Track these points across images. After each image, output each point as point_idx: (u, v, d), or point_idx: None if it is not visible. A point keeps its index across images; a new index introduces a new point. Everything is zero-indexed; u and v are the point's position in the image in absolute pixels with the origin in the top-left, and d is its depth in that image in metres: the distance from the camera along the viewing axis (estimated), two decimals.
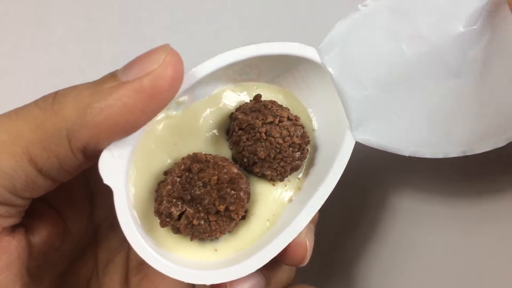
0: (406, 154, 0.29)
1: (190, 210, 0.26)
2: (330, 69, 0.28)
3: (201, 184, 0.26)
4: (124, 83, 0.22)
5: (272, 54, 0.28)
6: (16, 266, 0.25)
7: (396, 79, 0.29)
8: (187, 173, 0.26)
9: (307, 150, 0.29)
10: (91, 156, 0.23)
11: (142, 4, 0.46)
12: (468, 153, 0.28)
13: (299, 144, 0.28)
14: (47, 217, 0.27)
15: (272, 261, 0.27)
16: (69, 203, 0.29)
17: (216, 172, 0.26)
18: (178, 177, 0.26)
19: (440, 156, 0.28)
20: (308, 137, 0.29)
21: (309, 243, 0.28)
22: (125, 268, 0.30)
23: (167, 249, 0.27)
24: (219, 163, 0.26)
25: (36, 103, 0.23)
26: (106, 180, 0.23)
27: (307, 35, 0.44)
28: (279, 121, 0.28)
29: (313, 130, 0.31)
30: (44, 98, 0.23)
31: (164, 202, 0.26)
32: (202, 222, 0.26)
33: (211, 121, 0.29)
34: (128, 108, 0.22)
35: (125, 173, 0.24)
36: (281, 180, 0.29)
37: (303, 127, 0.29)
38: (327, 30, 0.42)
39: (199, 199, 0.26)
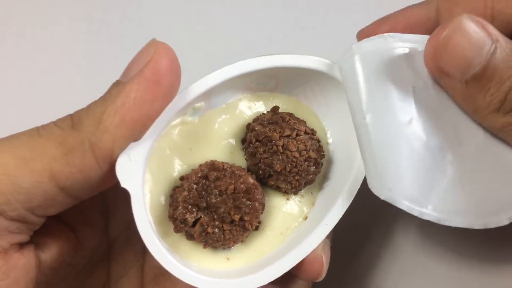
0: (400, 206, 0.26)
1: (205, 218, 0.26)
2: (346, 86, 0.27)
3: (217, 192, 0.26)
4: (128, 82, 0.23)
5: (293, 66, 0.28)
6: (24, 283, 0.24)
7: (412, 113, 0.27)
8: (204, 180, 0.26)
9: (322, 164, 0.29)
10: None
11: (142, 5, 0.46)
12: (442, 223, 0.27)
13: (315, 159, 0.28)
14: (58, 233, 0.27)
15: (288, 275, 0.27)
16: (83, 219, 0.28)
17: (233, 181, 0.26)
18: (195, 183, 0.26)
19: (424, 217, 0.26)
20: (323, 152, 0.29)
21: (325, 258, 0.28)
22: (140, 282, 0.30)
23: (180, 254, 0.27)
24: (236, 172, 0.26)
25: (55, 124, 0.24)
26: (124, 183, 0.23)
27: (307, 35, 0.44)
28: (296, 135, 0.28)
29: (327, 143, 0.31)
30: (62, 120, 0.24)
31: (180, 208, 0.26)
32: (217, 231, 0.26)
33: (227, 129, 0.29)
34: (139, 100, 0.22)
35: (142, 176, 0.24)
36: (295, 193, 0.29)
37: (319, 141, 0.29)
38: (326, 30, 0.43)
39: (215, 207, 0.26)
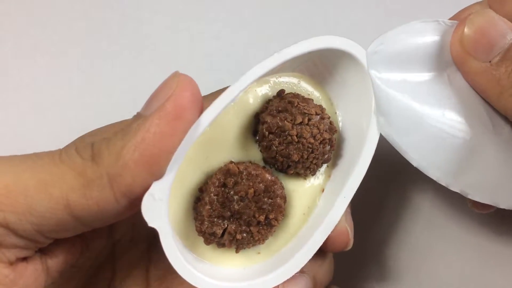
0: (414, 164, 0.29)
1: (232, 226, 0.26)
2: (372, 71, 0.28)
3: (238, 198, 0.26)
4: (149, 116, 0.23)
5: (299, 54, 0.27)
6: None
7: (436, 95, 0.29)
8: (223, 189, 0.26)
9: (335, 139, 0.29)
10: (135, 201, 0.23)
11: (142, 4, 0.45)
12: (466, 195, 0.29)
13: (329, 139, 0.28)
14: (64, 238, 0.27)
15: (315, 253, 0.27)
16: None
17: (251, 184, 0.26)
18: (215, 195, 0.26)
19: (442, 183, 0.29)
20: (335, 128, 0.29)
21: (349, 228, 0.29)
22: (145, 282, 0.30)
23: (212, 261, 0.28)
24: (252, 172, 0.26)
25: (77, 150, 0.23)
26: (151, 224, 0.23)
27: (307, 35, 0.45)
28: (308, 119, 0.27)
29: (335, 113, 0.31)
30: (83, 147, 0.24)
31: (206, 222, 0.26)
32: (245, 235, 0.26)
33: (238, 125, 0.28)
34: (159, 135, 0.22)
35: (167, 212, 0.24)
36: (313, 174, 0.30)
37: (329, 118, 0.29)
38: (328, 28, 0.43)
39: (239, 214, 0.26)
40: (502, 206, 0.29)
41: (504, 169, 0.29)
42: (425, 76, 0.29)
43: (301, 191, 0.30)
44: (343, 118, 0.31)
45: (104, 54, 0.44)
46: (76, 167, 0.23)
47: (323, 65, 0.29)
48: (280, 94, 0.29)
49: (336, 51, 0.28)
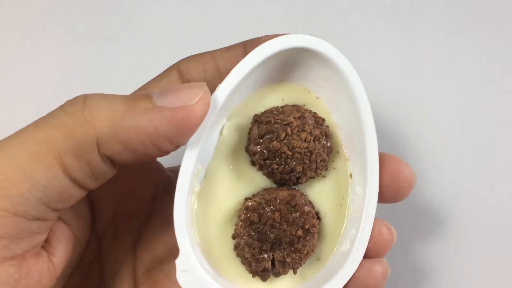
0: None
1: (278, 254, 0.27)
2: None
3: (270, 227, 0.26)
4: (159, 108, 0.23)
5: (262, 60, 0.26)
6: None
7: None
8: (252, 227, 0.26)
9: (327, 127, 0.28)
10: (118, 164, 0.24)
11: (142, 7, 0.46)
12: None
13: (320, 132, 0.27)
14: (59, 231, 0.26)
15: None
16: (73, 211, 0.28)
17: (274, 208, 0.26)
18: (248, 236, 0.26)
19: None
20: (321, 117, 0.28)
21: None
22: (132, 277, 0.31)
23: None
24: (269, 198, 0.27)
25: (63, 109, 0.23)
26: None
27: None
28: (291, 129, 0.27)
29: (316, 98, 0.30)
30: (72, 103, 0.23)
31: (253, 263, 0.27)
32: (294, 255, 0.27)
33: (232, 167, 0.28)
34: (158, 133, 0.23)
35: (205, 276, 0.25)
36: (326, 169, 0.29)
37: (310, 112, 0.28)
38: (328, 30, 0.43)
39: (278, 240, 0.26)
40: None
41: None
42: None
43: (327, 189, 0.29)
44: (326, 98, 0.30)
45: (105, 56, 0.45)
46: (64, 128, 0.22)
47: (281, 64, 0.29)
48: (255, 119, 0.29)
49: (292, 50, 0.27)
